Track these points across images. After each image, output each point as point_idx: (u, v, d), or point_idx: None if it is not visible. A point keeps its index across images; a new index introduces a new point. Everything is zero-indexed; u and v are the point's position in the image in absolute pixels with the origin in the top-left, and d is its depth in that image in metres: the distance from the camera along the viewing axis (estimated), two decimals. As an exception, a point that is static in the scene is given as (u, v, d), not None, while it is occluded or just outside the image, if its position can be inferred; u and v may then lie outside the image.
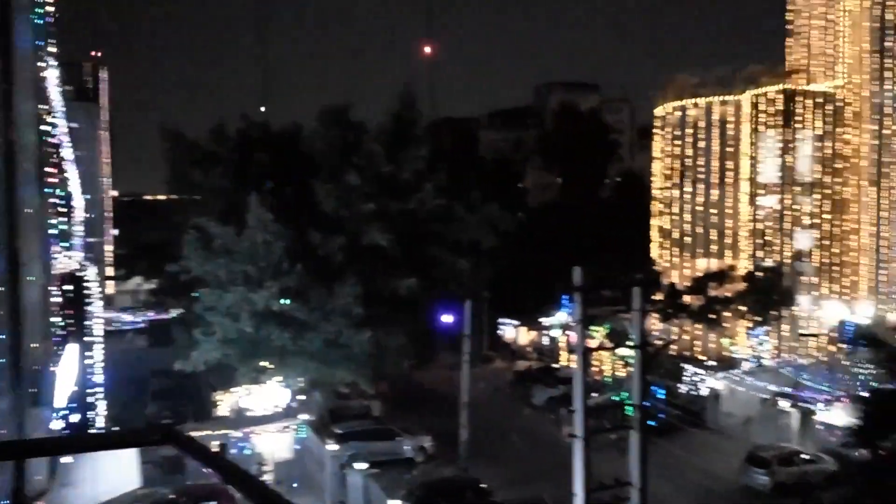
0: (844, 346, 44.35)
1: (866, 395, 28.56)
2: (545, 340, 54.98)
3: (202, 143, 42.18)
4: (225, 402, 36.20)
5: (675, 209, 49.67)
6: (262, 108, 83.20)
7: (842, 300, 47.08)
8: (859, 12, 47.58)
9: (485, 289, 50.02)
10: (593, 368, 46.93)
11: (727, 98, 47.29)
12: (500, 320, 58.00)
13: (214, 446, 24.92)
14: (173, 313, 43.98)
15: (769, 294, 42.98)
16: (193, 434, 10.48)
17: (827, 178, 46.76)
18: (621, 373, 41.69)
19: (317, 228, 36.87)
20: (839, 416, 34.73)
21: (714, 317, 43.24)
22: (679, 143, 49.26)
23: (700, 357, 45.21)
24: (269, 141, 42.63)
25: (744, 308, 43.11)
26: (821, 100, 46.67)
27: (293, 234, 35.44)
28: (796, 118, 45.89)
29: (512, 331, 57.80)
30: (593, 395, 38.53)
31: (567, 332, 48.26)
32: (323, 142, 40.31)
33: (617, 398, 35.82)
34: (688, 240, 48.93)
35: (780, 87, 45.81)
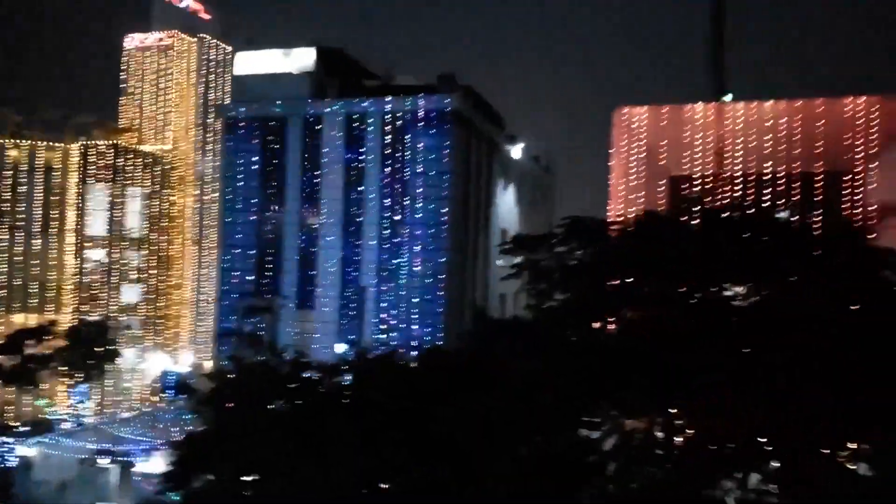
0: (166, 395, 46.56)
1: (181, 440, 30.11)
2: None
3: None
4: None
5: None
6: None
7: (165, 351, 49.57)
8: (186, 87, 52.29)
9: None
10: None
11: (55, 144, 45.08)
12: None
13: None
14: None
15: (93, 349, 41.79)
16: None
17: (154, 234, 49.04)
18: None
19: None
20: (158, 464, 35.79)
21: (30, 377, 39.55)
22: (-3, 184, 44.27)
23: (13, 424, 40.59)
24: None
25: (65, 366, 40.81)
26: (150, 160, 48.92)
27: None
28: (126, 174, 46.85)
29: None
30: None
31: None
32: None
33: None
34: (2, 292, 43.94)
35: (112, 141, 46.16)
